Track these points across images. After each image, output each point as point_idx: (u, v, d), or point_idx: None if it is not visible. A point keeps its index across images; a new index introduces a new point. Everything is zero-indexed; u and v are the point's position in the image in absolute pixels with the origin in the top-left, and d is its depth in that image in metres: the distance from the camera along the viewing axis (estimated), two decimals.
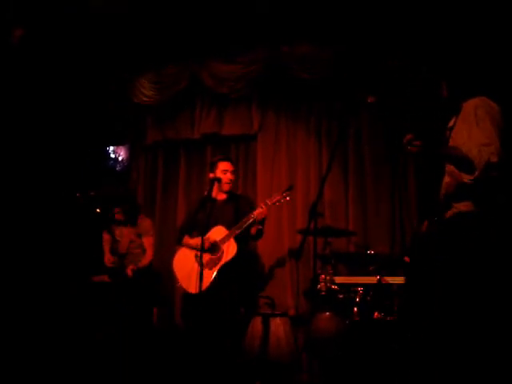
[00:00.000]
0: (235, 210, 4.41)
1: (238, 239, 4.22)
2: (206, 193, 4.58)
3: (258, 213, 4.20)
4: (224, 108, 5.85)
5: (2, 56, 5.30)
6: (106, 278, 5.08)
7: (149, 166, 6.23)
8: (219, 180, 4.36)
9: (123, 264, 5.01)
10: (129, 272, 4.92)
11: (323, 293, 4.34)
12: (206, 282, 4.06)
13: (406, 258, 4.20)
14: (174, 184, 6.06)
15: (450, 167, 3.00)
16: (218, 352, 4.17)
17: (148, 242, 5.16)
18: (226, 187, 4.46)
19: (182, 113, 6.03)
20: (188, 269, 4.25)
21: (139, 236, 5.17)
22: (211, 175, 4.44)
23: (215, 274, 4.15)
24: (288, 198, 4.32)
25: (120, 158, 6.33)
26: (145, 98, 5.93)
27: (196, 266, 4.14)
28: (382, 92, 4.90)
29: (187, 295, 4.25)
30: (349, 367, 3.82)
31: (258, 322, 4.40)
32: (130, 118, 6.18)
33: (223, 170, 4.44)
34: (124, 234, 5.17)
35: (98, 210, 5.29)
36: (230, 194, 4.57)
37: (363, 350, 3.83)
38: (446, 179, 3.05)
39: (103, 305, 4.90)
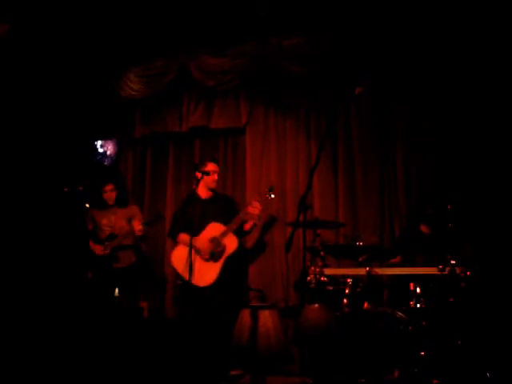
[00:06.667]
0: (223, 208, 4.75)
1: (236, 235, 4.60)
2: (194, 189, 4.74)
3: (253, 209, 4.54)
4: (212, 101, 5.80)
5: None
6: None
7: (137, 160, 6.19)
8: (208, 173, 4.63)
9: (114, 253, 4.96)
10: (136, 226, 4.92)
11: (313, 285, 4.32)
12: (214, 274, 4.46)
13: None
14: (162, 178, 6.02)
15: None
16: (212, 343, 4.27)
17: (138, 224, 5.03)
18: (212, 185, 4.80)
19: (170, 106, 5.98)
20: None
21: (129, 221, 5.09)
22: (199, 174, 4.57)
23: (222, 266, 4.49)
24: (273, 196, 4.71)
25: (108, 153, 6.29)
26: (132, 92, 5.88)
27: (199, 260, 4.49)
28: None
29: (192, 288, 4.37)
30: (339, 358, 3.83)
31: (246, 315, 4.41)
32: (118, 112, 6.13)
33: (213, 171, 4.76)
34: (113, 220, 5.11)
35: (87, 205, 5.26)
36: (215, 193, 4.88)
37: (353, 341, 3.84)
38: None
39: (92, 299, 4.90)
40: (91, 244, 5.09)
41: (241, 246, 4.73)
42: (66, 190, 5.30)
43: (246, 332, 4.33)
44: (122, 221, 5.09)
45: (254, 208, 4.52)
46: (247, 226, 4.66)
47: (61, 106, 5.80)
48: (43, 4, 5.15)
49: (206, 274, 4.45)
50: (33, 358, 4.40)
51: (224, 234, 4.54)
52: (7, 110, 5.45)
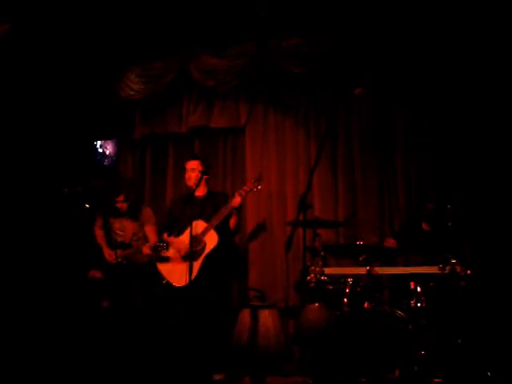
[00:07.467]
0: (213, 205, 4.63)
1: (218, 232, 4.44)
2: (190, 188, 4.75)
3: (234, 202, 4.42)
4: (212, 101, 5.80)
5: None
6: (98, 273, 5.03)
7: (137, 161, 6.18)
8: (186, 172, 4.75)
9: (126, 257, 4.95)
10: (145, 250, 4.79)
11: (313, 284, 4.30)
12: (193, 273, 4.23)
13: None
14: (162, 178, 6.01)
15: None
16: (205, 343, 4.25)
17: (150, 229, 5.04)
18: (188, 183, 4.75)
19: (170, 107, 5.98)
20: (173, 265, 4.50)
21: (141, 227, 5.08)
22: (186, 175, 4.77)
23: (201, 264, 4.36)
24: (260, 187, 4.53)
25: (108, 153, 6.28)
26: (132, 92, 5.88)
27: (179, 260, 4.46)
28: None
29: (174, 290, 4.41)
30: (339, 358, 3.82)
31: (246, 315, 4.41)
32: (118, 113, 6.13)
33: (186, 169, 4.79)
34: (126, 226, 5.09)
35: (87, 206, 5.25)
36: (209, 191, 4.83)
37: (353, 341, 3.83)
38: None
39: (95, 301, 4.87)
40: (104, 247, 5.09)
41: (228, 243, 4.69)
42: (65, 190, 5.29)
43: (246, 332, 4.31)
44: (135, 228, 5.06)
45: (235, 201, 4.41)
46: (231, 223, 4.53)
47: (60, 106, 5.80)
48: (43, 4, 5.16)
49: (186, 273, 4.20)
50: (35, 357, 4.41)
51: (205, 232, 4.41)
52: (7, 110, 5.45)
